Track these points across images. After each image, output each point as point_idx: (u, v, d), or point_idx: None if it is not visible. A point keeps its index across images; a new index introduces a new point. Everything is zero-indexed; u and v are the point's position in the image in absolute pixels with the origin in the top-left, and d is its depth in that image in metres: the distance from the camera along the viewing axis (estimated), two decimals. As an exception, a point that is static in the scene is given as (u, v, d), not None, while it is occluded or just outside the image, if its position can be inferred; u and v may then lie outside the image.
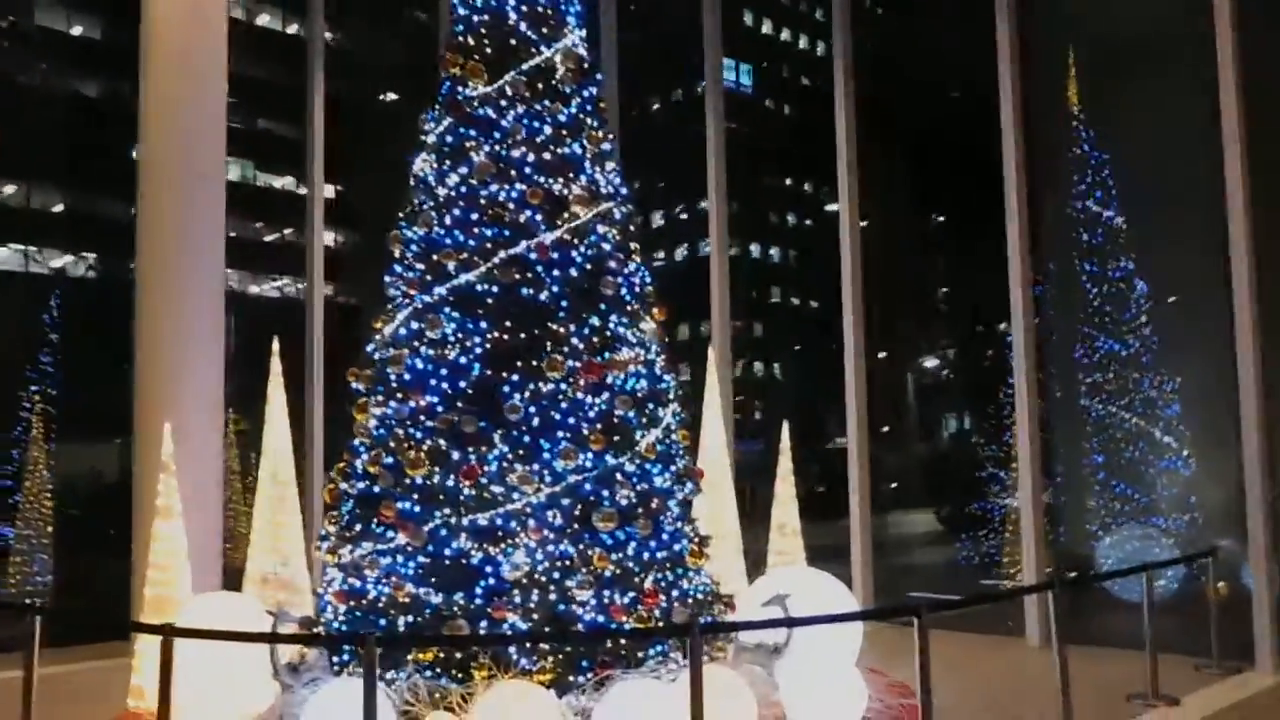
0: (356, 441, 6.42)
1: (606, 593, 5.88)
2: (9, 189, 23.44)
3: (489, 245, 6.28)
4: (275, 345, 7.08)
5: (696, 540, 6.54)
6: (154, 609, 6.22)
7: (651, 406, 6.48)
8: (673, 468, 6.52)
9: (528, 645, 5.64)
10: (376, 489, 6.09)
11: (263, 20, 27.17)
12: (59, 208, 23.25)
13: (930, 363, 28.01)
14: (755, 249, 45.69)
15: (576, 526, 5.94)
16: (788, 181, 45.90)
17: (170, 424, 6.56)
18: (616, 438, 6.16)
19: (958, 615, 8.76)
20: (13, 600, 7.23)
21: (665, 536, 6.28)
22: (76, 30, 22.22)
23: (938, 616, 8.94)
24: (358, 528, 6.12)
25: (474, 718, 5.01)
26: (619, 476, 6.10)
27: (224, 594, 6.21)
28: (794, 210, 47.23)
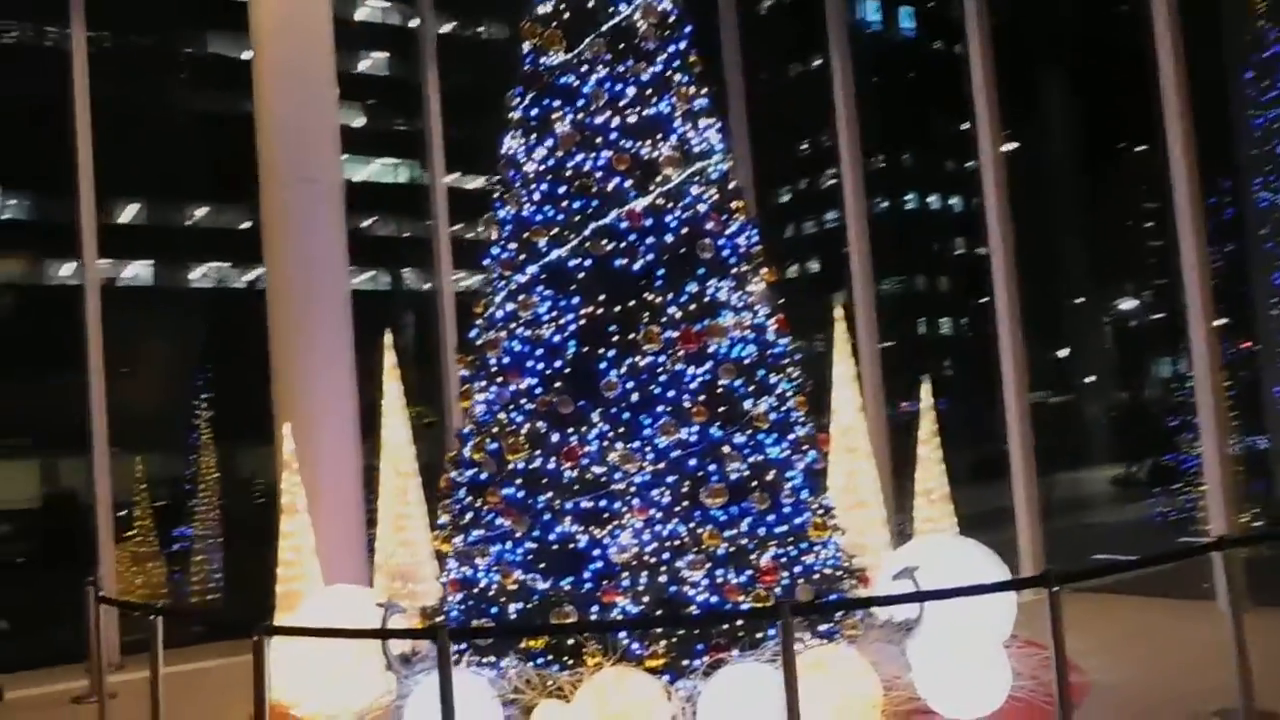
0: (466, 429, 6.36)
1: (719, 572, 5.57)
2: (200, 211, 25.14)
3: (578, 218, 6.06)
4: (388, 338, 7.11)
5: (821, 512, 6.14)
6: (284, 603, 6.37)
7: (761, 374, 6.11)
8: (790, 437, 6.14)
9: (639, 629, 5.41)
10: (483, 476, 6.01)
11: (415, 24, 27.92)
12: (246, 225, 24.73)
13: (1128, 304, 25.99)
14: (934, 199, 43.71)
15: (685, 504, 5.66)
16: (964, 125, 43.64)
17: (290, 424, 6.70)
18: (722, 409, 5.84)
19: (1145, 579, 7.97)
20: (137, 601, 7.61)
21: (785, 510, 5.92)
22: (246, 55, 23.50)
23: (1120, 580, 8.24)
24: (468, 516, 6.06)
25: (576, 705, 4.83)
26: (727, 449, 5.77)
27: (344, 587, 6.28)
28: (974, 155, 44.83)
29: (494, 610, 5.73)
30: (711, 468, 5.72)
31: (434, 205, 9.73)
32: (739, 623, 5.49)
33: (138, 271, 24.51)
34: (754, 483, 5.78)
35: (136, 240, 23.64)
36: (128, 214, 24.09)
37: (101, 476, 8.00)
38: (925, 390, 7.48)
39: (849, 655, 5.04)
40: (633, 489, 5.64)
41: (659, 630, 5.43)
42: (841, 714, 4.79)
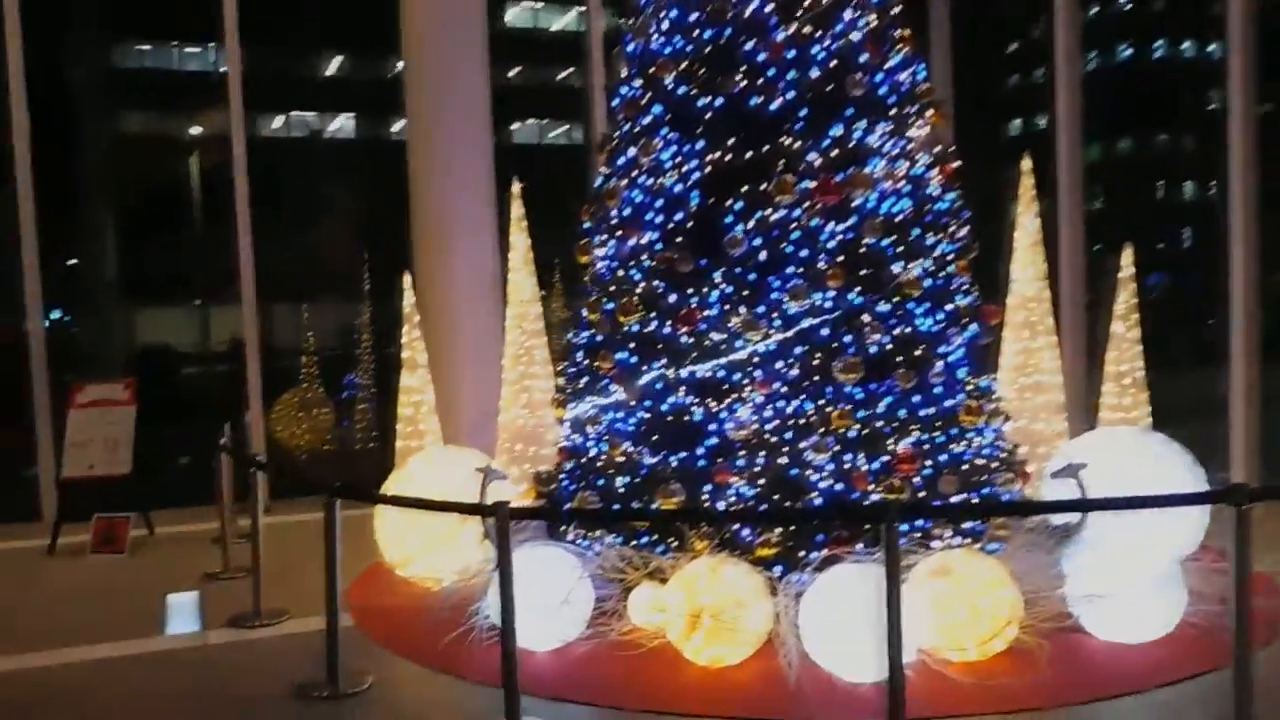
0: (587, 286, 5.88)
1: (848, 457, 4.94)
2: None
3: (709, 50, 5.32)
4: (516, 187, 6.66)
5: (978, 394, 5.36)
6: (402, 460, 6.21)
7: (916, 233, 5.29)
8: (948, 307, 5.34)
9: (731, 522, 4.90)
10: (598, 338, 5.55)
11: None
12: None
13: None
14: (1188, 46, 38.81)
15: (814, 379, 5.02)
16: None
17: (409, 276, 6.41)
18: (864, 272, 5.09)
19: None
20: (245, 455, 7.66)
21: (934, 390, 5.18)
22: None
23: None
24: (583, 380, 5.64)
25: (669, 593, 4.40)
26: (868, 319, 5.05)
27: (450, 449, 6.02)
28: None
29: (600, 482, 5.33)
30: (847, 339, 5.03)
31: (589, 50, 9.09)
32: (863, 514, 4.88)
33: (341, 124, 25.19)
34: (898, 358, 5.06)
35: (340, 93, 24.18)
36: (332, 67, 24.64)
37: (250, 327, 8.10)
38: (1126, 257, 6.41)
39: (986, 562, 4.35)
40: (755, 359, 5.04)
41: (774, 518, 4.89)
42: (968, 628, 4.15)
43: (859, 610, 4.02)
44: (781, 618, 4.34)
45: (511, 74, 23.72)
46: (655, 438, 5.19)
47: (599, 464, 5.38)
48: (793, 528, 4.84)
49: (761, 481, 4.93)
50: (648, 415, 5.23)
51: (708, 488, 5.00)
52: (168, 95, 20.87)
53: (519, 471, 6.45)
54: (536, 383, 6.48)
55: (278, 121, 23.67)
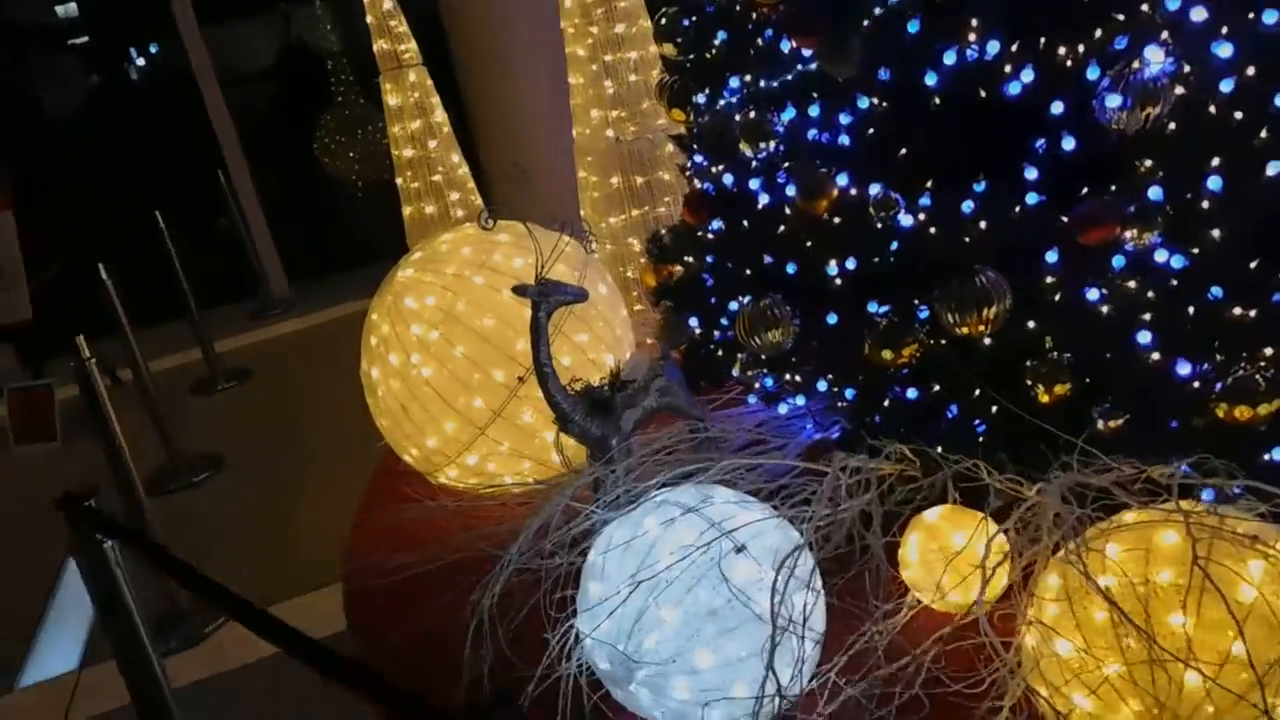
0: None
1: None
2: None
3: None
4: None
5: None
6: (414, 235, 3.45)
7: None
8: None
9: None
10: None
11: None
12: None
13: None
14: None
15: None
16: None
17: None
18: None
19: None
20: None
21: None
22: None
23: None
24: (716, 41, 2.58)
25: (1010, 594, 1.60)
26: None
27: (467, 230, 3.03)
28: None
29: (791, 270, 2.41)
30: None
31: None
32: None
33: None
34: None
35: None
36: None
37: (194, 46, 5.21)
38: None
39: None
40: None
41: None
42: None
43: None
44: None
45: None
46: (904, 153, 2.17)
47: (781, 230, 2.43)
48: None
49: (1229, 231, 1.90)
50: (883, 104, 2.19)
51: (1052, 259, 2.03)
52: None
53: (631, 219, 3.56)
54: (629, 55, 3.40)
55: None
